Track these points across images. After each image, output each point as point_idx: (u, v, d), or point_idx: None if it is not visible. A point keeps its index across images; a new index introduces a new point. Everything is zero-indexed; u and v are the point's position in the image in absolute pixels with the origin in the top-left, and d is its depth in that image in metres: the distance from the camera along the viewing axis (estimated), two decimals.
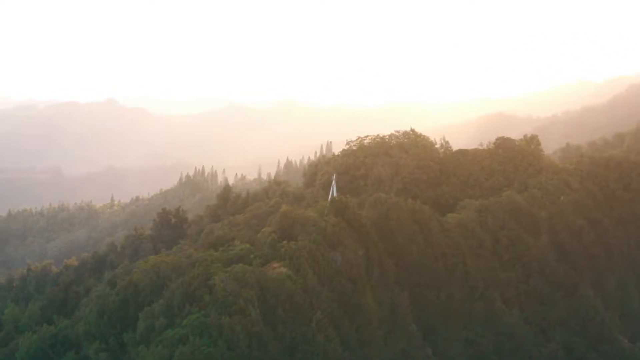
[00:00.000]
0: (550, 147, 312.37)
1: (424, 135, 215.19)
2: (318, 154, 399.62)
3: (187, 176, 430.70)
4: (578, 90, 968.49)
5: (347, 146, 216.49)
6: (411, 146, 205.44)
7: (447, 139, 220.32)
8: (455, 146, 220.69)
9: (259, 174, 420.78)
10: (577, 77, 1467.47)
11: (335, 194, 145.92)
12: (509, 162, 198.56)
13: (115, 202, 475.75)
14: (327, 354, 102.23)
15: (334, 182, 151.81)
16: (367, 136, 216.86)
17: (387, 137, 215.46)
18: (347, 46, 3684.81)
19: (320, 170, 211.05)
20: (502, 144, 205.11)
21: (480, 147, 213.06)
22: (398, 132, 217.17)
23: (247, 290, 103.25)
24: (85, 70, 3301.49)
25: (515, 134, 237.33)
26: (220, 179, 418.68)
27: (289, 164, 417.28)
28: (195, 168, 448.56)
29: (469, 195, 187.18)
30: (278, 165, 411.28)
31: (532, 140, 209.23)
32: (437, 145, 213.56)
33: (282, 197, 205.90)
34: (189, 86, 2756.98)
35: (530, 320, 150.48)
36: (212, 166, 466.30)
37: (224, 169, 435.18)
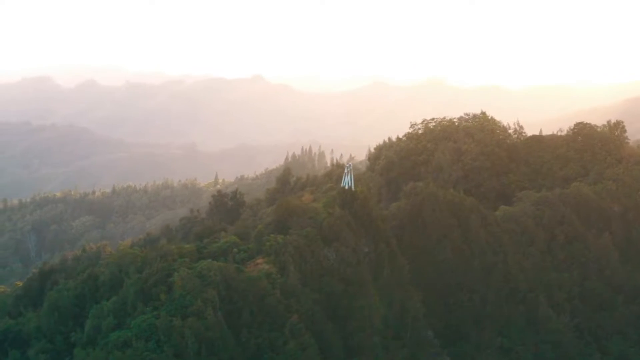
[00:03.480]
0: None
1: (495, 119, 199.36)
2: None
3: (293, 156, 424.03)
4: None
5: (412, 129, 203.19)
6: (477, 131, 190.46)
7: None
8: None
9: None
10: None
11: (350, 183, 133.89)
12: (587, 150, 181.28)
13: (220, 181, 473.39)
14: None
15: (346, 171, 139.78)
16: (433, 119, 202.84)
17: (456, 120, 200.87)
18: (501, 25, 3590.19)
19: (383, 155, 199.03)
20: (582, 130, 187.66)
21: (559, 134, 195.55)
22: (468, 114, 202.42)
23: (210, 289, 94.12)
24: (237, 47, 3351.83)
25: None
26: (328, 158, 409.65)
27: None
28: (302, 147, 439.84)
29: (539, 185, 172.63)
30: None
31: (616, 127, 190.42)
32: (511, 130, 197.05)
33: (339, 182, 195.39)
34: (336, 64, 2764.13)
35: (583, 327, 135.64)
36: (320, 145, 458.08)
37: (332, 149, 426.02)
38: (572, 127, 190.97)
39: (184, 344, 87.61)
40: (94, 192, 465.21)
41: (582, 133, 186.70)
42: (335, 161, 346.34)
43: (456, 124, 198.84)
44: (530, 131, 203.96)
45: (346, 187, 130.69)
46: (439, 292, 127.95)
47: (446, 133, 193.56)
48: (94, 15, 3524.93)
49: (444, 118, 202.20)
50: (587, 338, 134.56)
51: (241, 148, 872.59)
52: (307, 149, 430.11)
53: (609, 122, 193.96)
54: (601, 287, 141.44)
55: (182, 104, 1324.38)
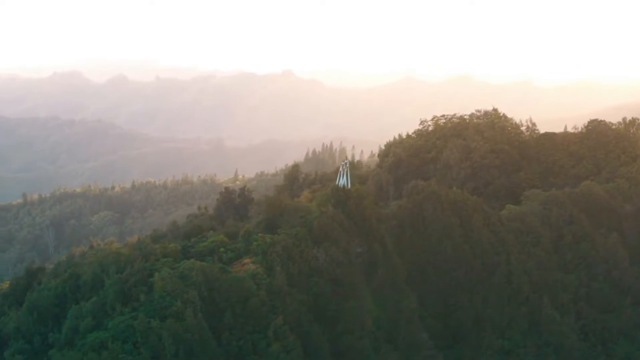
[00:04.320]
0: None
1: (506, 117, 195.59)
2: None
3: (314, 152, 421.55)
4: None
5: (422, 126, 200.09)
6: (487, 128, 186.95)
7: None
8: None
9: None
10: None
11: (345, 181, 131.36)
12: (601, 148, 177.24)
13: (240, 177, 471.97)
14: None
15: (341, 169, 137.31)
16: (443, 115, 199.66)
17: (467, 117, 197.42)
18: (532, 19, 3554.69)
19: (391, 152, 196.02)
20: (596, 127, 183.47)
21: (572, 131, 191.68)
22: (479, 111, 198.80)
23: (191, 290, 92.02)
24: (269, 42, 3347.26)
25: None
26: (349, 154, 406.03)
27: None
28: (323, 144, 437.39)
29: (550, 184, 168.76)
30: None
31: (631, 124, 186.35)
32: (523, 128, 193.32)
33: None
34: (367, 59, 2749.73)
35: (588, 329, 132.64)
36: (341, 142, 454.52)
37: (353, 145, 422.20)
38: (585, 124, 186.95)
39: (162, 346, 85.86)
40: (113, 188, 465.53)
41: (596, 130, 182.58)
42: (354, 157, 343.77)
43: (467, 120, 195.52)
44: (561, 128, 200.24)
45: (342, 186, 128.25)
46: (438, 293, 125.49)
47: (456, 130, 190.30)
48: (127, 10, 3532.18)
49: (454, 115, 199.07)
50: (593, 340, 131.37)
51: (268, 143, 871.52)
52: (328, 145, 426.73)
53: (624, 119, 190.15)
54: (608, 288, 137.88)
55: (212, 99, 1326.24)
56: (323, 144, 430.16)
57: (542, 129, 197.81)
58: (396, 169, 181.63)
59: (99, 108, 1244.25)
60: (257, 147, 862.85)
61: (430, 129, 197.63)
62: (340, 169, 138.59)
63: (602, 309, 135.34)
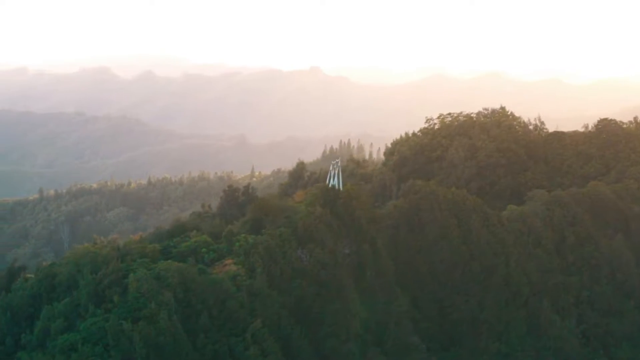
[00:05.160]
0: None
1: (515, 115, 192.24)
2: None
3: (331, 149, 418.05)
4: None
5: (428, 124, 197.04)
6: (493, 126, 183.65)
7: None
8: None
9: None
10: None
11: (336, 180, 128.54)
12: (610, 148, 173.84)
13: (256, 174, 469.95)
14: None
15: (331, 168, 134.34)
16: (449, 113, 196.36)
17: (474, 115, 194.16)
18: (563, 16, 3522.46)
19: (397, 150, 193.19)
20: (606, 126, 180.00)
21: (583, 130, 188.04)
22: (487, 109, 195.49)
23: (166, 292, 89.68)
24: (296, 38, 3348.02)
25: None
26: (367, 152, 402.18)
27: None
28: (341, 140, 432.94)
29: (558, 184, 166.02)
30: None
31: None
32: (531, 127, 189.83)
33: (350, 178, 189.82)
34: (395, 55, 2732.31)
35: (590, 333, 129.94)
36: (359, 139, 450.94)
37: (371, 143, 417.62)
38: (595, 124, 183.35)
39: (133, 349, 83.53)
40: (129, 184, 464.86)
41: (606, 130, 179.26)
42: (371, 155, 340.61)
43: (474, 119, 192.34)
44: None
45: (332, 185, 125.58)
46: (433, 294, 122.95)
47: (462, 129, 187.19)
48: (157, 5, 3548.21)
49: (461, 113, 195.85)
50: (595, 344, 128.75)
51: (290, 140, 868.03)
52: (346, 142, 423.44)
53: (635, 118, 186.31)
54: (611, 291, 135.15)
55: (238, 95, 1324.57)
56: (341, 141, 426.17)
57: (570, 126, 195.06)
58: (401, 168, 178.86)
59: (125, 104, 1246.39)
60: (279, 143, 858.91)
61: (436, 127, 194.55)
62: (331, 169, 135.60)
63: (605, 312, 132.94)
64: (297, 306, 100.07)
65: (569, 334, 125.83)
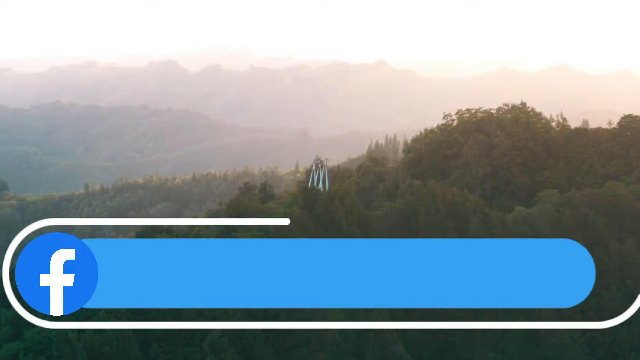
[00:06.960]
0: None
1: (535, 111, 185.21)
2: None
3: (377, 144, 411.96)
4: None
5: (446, 120, 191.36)
6: (510, 123, 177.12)
7: None
8: None
9: None
10: None
11: (321, 180, 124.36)
12: (634, 146, 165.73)
13: (300, 169, 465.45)
14: None
15: (313, 168, 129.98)
16: (468, 109, 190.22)
17: (494, 110, 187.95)
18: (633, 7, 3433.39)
19: (413, 148, 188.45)
20: (630, 123, 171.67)
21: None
22: (507, 105, 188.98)
23: None
24: (363, 31, 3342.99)
25: None
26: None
27: None
28: (387, 136, 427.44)
29: (577, 183, 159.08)
30: None
31: None
32: (553, 123, 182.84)
33: (364, 176, 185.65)
34: (463, 49, 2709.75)
35: (596, 342, 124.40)
36: (404, 135, 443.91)
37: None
38: (619, 120, 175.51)
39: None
40: (174, 179, 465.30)
41: (630, 127, 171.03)
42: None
43: (493, 115, 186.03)
44: None
45: (314, 185, 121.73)
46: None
47: (479, 125, 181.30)
48: None
49: (480, 108, 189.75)
50: (601, 354, 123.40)
51: (352, 134, 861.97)
52: (392, 137, 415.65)
53: None
54: (620, 299, 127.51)
55: (304, 89, 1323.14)
56: (387, 136, 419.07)
57: None
58: (415, 166, 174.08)
59: (192, 97, 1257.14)
60: (342, 138, 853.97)
61: (454, 123, 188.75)
62: (313, 168, 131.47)
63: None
64: (263, 314, 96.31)
65: (573, 343, 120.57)
